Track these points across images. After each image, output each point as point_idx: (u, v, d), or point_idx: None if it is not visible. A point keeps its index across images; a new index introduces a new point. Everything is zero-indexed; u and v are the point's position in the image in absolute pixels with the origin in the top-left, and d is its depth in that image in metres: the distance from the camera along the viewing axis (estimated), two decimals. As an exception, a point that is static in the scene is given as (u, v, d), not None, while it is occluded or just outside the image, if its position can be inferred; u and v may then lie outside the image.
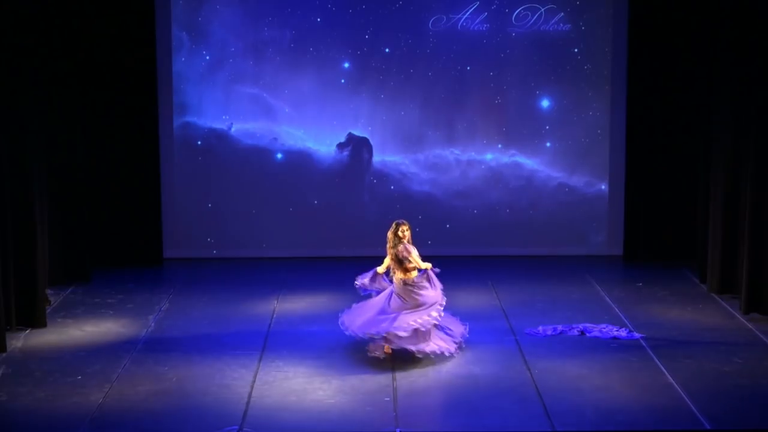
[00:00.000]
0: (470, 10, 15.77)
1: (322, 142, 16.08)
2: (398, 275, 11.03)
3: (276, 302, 13.58)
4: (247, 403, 9.90)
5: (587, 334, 12.01)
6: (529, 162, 16.17)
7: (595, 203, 16.23)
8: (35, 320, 12.35)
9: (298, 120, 16.00)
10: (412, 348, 10.75)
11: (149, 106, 15.44)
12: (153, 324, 12.58)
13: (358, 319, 11.04)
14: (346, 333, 11.09)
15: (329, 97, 15.95)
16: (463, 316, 12.73)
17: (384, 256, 11.25)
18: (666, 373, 10.67)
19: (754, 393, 10.12)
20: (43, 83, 13.33)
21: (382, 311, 10.96)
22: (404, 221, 11.19)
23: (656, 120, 15.52)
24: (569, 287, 14.26)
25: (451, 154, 16.16)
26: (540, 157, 16.15)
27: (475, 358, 11.16)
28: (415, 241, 15.96)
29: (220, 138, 15.99)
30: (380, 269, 11.30)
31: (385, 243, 11.20)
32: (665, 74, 15.38)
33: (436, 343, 10.88)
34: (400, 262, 10.96)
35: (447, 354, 10.90)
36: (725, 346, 11.55)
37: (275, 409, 9.77)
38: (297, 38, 15.82)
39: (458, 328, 11.32)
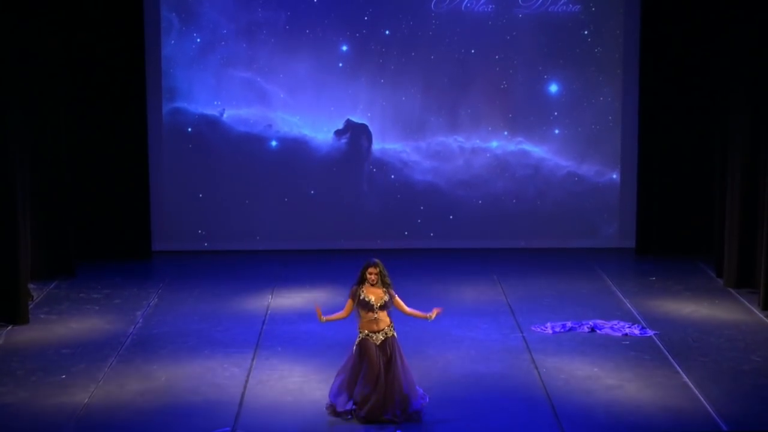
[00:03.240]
0: (475, -10, 15.76)
1: (319, 129, 16.04)
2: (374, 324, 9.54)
3: (270, 297, 13.56)
4: (240, 403, 9.87)
5: (598, 331, 11.98)
6: (536, 150, 16.13)
7: (606, 193, 16.20)
8: (17, 316, 12.32)
9: (294, 106, 15.96)
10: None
11: (137, 92, 15.39)
12: (141, 320, 12.56)
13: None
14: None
15: (326, 81, 15.91)
16: (467, 312, 12.75)
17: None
18: (681, 372, 10.65)
19: (774, 393, 10.13)
20: (25, 68, 13.28)
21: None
22: (374, 263, 9.57)
23: (670, 106, 15.47)
24: (579, 281, 14.24)
25: (455, 141, 16.13)
26: (548, 145, 16.12)
27: (479, 357, 11.14)
28: (417, 233, 15.97)
29: (212, 125, 15.95)
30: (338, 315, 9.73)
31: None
32: (680, 57, 15.34)
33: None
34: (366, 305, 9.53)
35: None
36: (743, 344, 11.53)
37: (270, 410, 9.75)
38: (292, 20, 15.77)
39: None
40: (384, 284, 9.53)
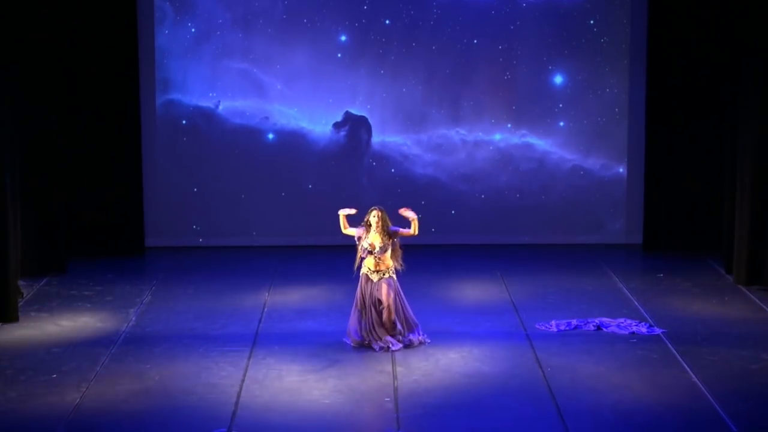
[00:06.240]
0: (477, -21, 15.76)
1: (317, 122, 16.05)
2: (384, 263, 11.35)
3: (267, 294, 13.56)
4: (236, 403, 9.87)
5: (604, 329, 11.98)
6: (540, 143, 16.14)
7: (613, 188, 16.20)
8: (6, 314, 12.31)
9: (291, 97, 15.96)
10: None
11: (130, 83, 15.39)
12: (134, 318, 12.56)
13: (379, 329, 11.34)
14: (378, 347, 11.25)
15: (325, 72, 15.91)
16: (469, 310, 12.75)
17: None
18: (689, 371, 10.64)
19: (785, 393, 10.13)
20: (14, 59, 13.26)
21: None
22: (377, 208, 11.37)
23: (679, 98, 15.47)
24: (584, 278, 14.24)
25: (457, 134, 16.13)
26: (553, 138, 16.12)
27: (482, 356, 11.14)
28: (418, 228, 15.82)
29: (207, 117, 15.95)
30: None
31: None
32: (689, 47, 15.32)
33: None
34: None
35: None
36: (753, 342, 11.52)
37: (266, 410, 9.74)
38: (290, 8, 15.76)
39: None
40: (385, 232, 11.15)
